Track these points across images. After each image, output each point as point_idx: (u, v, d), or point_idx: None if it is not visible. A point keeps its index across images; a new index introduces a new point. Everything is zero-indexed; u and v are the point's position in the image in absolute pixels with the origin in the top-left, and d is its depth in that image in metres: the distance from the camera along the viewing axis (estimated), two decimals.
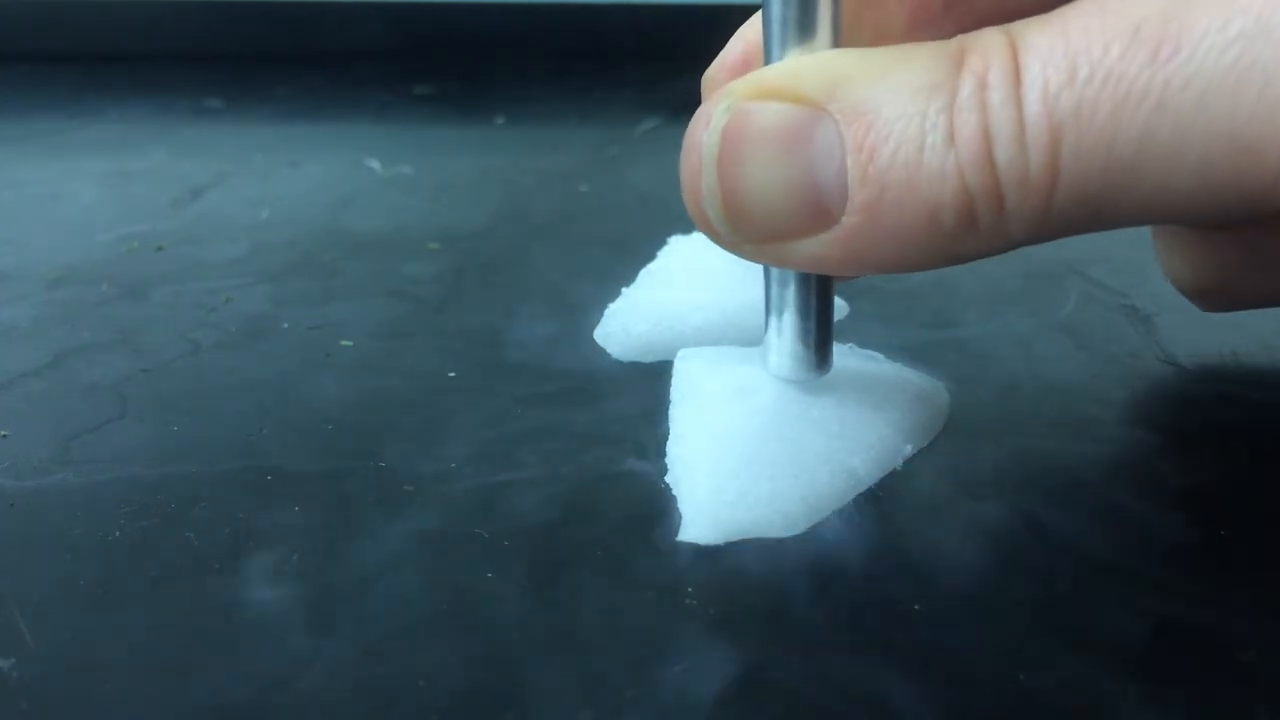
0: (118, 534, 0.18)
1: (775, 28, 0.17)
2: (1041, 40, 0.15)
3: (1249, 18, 0.14)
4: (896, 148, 0.16)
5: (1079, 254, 0.30)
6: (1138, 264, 0.25)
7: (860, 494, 0.19)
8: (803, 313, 0.19)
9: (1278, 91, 0.14)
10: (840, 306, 0.26)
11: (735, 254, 0.18)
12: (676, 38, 0.51)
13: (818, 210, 0.16)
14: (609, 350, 0.25)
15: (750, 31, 0.20)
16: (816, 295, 0.19)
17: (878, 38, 0.19)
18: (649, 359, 0.24)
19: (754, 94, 0.17)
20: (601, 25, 0.54)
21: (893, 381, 0.21)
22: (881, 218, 0.16)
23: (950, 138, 0.15)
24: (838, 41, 0.17)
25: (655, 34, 0.54)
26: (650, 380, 0.23)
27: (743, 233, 0.17)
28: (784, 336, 0.20)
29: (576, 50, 0.53)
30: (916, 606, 0.16)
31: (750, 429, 0.19)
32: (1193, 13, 0.14)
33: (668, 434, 0.20)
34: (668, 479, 0.19)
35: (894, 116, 0.16)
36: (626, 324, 0.25)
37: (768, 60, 0.18)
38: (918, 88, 0.16)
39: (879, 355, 0.23)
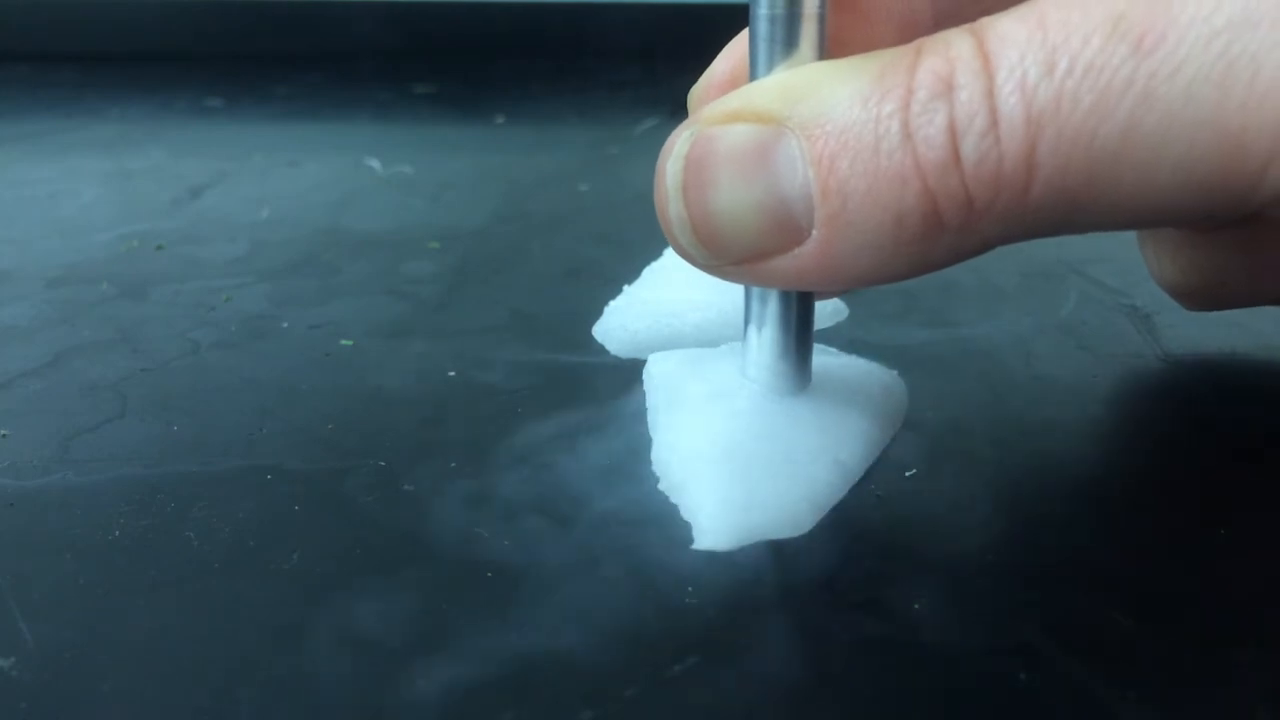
0: (118, 534, 0.18)
1: (760, 47, 0.17)
2: (1019, 32, 0.15)
3: (1236, 7, 0.14)
4: (854, 156, 0.15)
5: (1079, 253, 0.30)
6: (1138, 263, 0.25)
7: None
8: (783, 328, 0.19)
9: (1266, 82, 0.14)
10: (839, 309, 0.26)
11: (716, 276, 0.18)
12: (676, 38, 0.51)
13: (787, 227, 0.16)
14: (608, 347, 0.25)
15: (737, 49, 0.20)
16: (797, 311, 0.19)
17: None
18: (647, 356, 0.24)
19: (717, 119, 0.17)
20: (601, 25, 0.54)
21: (858, 374, 0.22)
22: (848, 229, 0.16)
23: (906, 140, 0.15)
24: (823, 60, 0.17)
25: (655, 34, 0.54)
26: None
27: (718, 256, 0.17)
28: (764, 351, 0.20)
29: (576, 50, 0.53)
30: (916, 605, 0.16)
31: (741, 431, 0.19)
32: (1176, 3, 0.14)
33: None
34: (661, 486, 0.19)
35: (849, 124, 0.15)
36: (625, 321, 0.25)
37: (753, 79, 0.18)
38: (869, 93, 0.15)
39: (833, 349, 0.23)
